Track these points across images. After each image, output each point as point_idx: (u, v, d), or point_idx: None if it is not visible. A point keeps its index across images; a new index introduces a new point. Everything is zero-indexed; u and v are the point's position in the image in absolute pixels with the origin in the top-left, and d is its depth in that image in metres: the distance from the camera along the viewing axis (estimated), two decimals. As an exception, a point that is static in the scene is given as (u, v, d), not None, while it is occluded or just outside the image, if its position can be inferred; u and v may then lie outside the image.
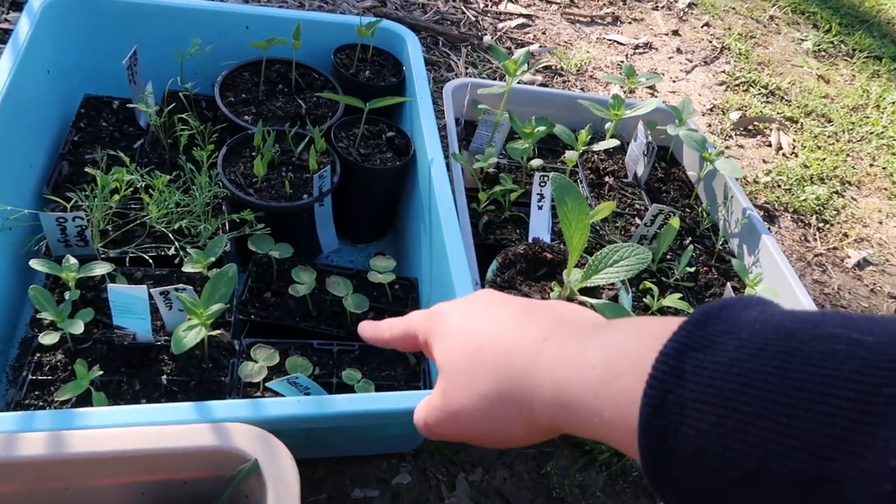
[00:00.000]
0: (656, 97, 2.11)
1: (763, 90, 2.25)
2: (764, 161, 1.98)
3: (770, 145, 2.04)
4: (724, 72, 2.30)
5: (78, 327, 0.92)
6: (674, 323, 0.32)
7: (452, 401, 0.44)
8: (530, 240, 1.25)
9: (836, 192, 1.92)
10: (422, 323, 0.50)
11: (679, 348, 0.30)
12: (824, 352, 0.26)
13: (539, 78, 2.03)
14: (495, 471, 1.10)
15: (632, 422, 0.31)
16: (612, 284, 1.17)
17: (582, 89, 2.04)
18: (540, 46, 2.17)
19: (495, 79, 1.97)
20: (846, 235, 1.80)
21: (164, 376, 0.98)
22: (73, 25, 1.31)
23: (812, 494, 0.25)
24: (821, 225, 1.80)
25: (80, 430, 0.74)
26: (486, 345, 0.43)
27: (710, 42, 2.45)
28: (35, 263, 0.97)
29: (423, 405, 0.49)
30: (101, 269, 0.99)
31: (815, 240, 1.76)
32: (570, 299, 1.11)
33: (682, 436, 0.29)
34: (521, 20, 2.27)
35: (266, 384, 0.92)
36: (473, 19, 2.19)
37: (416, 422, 0.49)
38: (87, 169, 1.15)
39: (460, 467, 1.10)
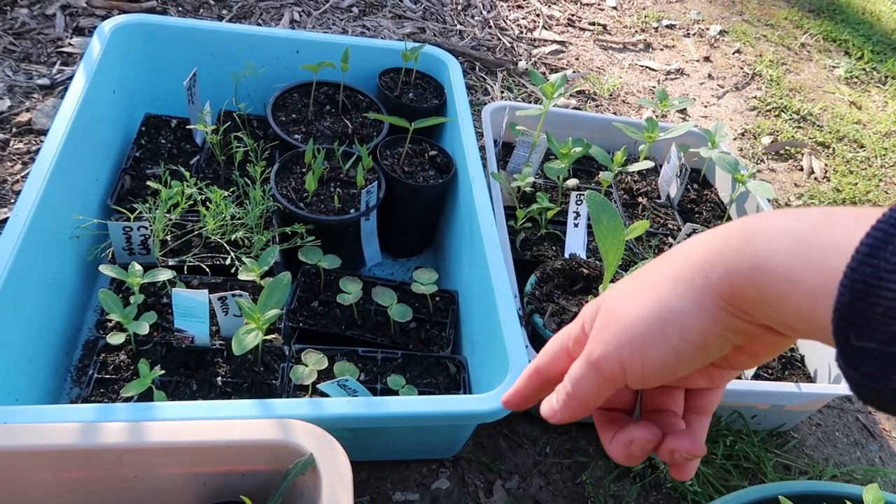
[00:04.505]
0: (688, 122, 2.15)
1: (795, 115, 2.28)
2: (796, 185, 2.00)
3: (802, 169, 2.06)
4: (755, 97, 2.34)
5: (143, 328, 0.98)
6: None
7: (613, 307, 0.41)
8: (567, 256, 1.29)
9: (869, 217, 1.93)
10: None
11: None
12: None
13: (573, 102, 2.08)
14: (531, 479, 1.13)
15: (832, 268, 0.29)
16: (647, 300, 1.20)
17: (614, 113, 2.09)
18: (574, 72, 2.22)
19: (530, 102, 2.03)
20: (879, 259, 1.81)
21: (219, 378, 1.03)
22: (138, 49, 1.40)
23: None
24: (853, 248, 1.81)
25: (152, 421, 0.80)
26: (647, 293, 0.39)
27: (742, 68, 2.49)
28: (104, 269, 1.03)
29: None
30: (163, 275, 1.06)
31: (848, 263, 1.77)
32: (606, 313, 1.15)
33: None
34: (555, 46, 2.33)
35: (317, 386, 0.97)
36: (509, 45, 2.26)
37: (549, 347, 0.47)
38: (148, 182, 1.22)
39: (497, 474, 1.13)
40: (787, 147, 2.12)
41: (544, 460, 1.16)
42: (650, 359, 0.38)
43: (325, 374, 1.05)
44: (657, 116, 1.68)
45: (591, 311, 0.44)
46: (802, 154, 2.11)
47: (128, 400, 0.96)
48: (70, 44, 1.78)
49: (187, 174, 1.19)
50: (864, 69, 2.64)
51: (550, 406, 0.46)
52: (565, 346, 0.47)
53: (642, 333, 0.38)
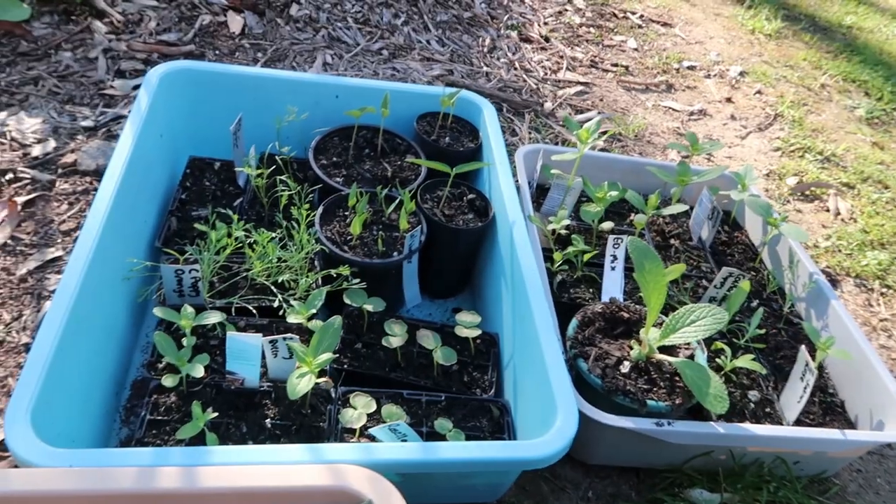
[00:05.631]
0: (713, 162, 2.17)
1: (818, 156, 2.30)
2: (823, 226, 2.01)
3: (828, 210, 2.08)
4: (778, 138, 2.36)
5: (198, 371, 1.00)
6: None
7: None
8: (605, 299, 1.30)
9: (897, 258, 1.93)
10: None
11: None
12: None
13: (600, 143, 2.11)
14: (575, 524, 1.13)
15: None
16: (688, 344, 1.21)
17: (640, 154, 2.12)
18: (599, 112, 2.26)
19: (557, 143, 2.06)
20: (909, 301, 1.81)
21: (268, 420, 1.04)
22: (183, 93, 1.44)
23: None
24: (884, 290, 1.82)
25: (211, 466, 0.81)
26: None
27: (764, 109, 2.52)
28: (159, 311, 1.05)
29: None
30: (214, 318, 1.08)
31: (879, 305, 1.77)
32: (649, 357, 1.16)
33: None
34: (579, 87, 2.37)
35: (368, 430, 0.98)
36: (534, 87, 2.30)
37: None
38: (196, 225, 1.25)
39: (541, 519, 1.13)
40: (812, 188, 2.14)
41: (587, 505, 1.16)
42: None
43: (372, 417, 1.05)
44: (685, 158, 1.70)
45: None
46: (828, 195, 2.13)
47: (180, 442, 0.97)
48: (112, 86, 1.83)
49: (235, 217, 1.22)
50: (884, 110, 2.67)
51: None
52: None
53: None
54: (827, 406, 1.28)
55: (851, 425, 1.26)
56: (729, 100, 2.54)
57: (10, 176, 1.51)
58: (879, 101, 2.72)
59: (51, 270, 1.34)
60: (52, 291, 1.29)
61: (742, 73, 2.72)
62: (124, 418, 1.12)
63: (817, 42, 3.11)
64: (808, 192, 2.13)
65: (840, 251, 1.91)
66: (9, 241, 1.38)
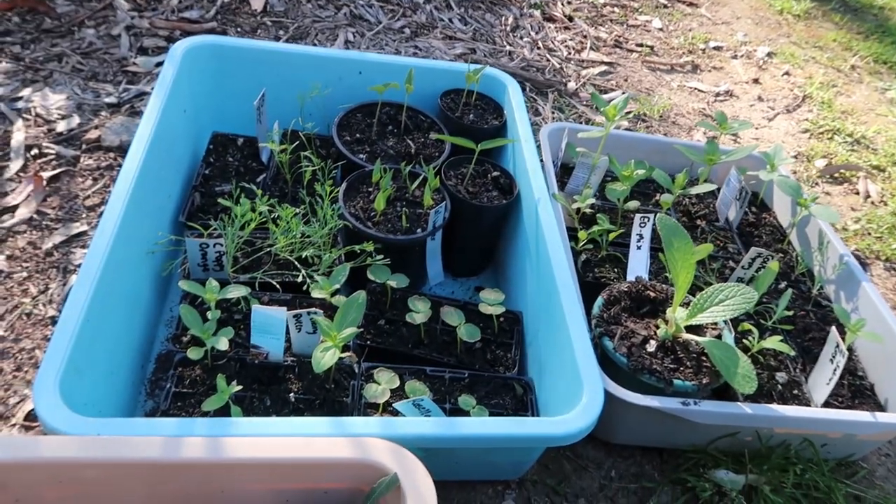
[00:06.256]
0: (739, 144, 2.13)
1: (848, 138, 2.25)
2: (852, 209, 1.97)
3: (857, 193, 2.04)
4: (807, 119, 2.31)
5: (223, 344, 1.00)
6: None
7: None
8: (630, 278, 1.28)
9: (929, 242, 1.89)
10: None
11: None
12: None
13: (625, 123, 2.08)
14: (598, 503, 1.12)
15: None
16: (715, 324, 1.19)
17: (665, 134, 2.08)
18: (623, 93, 2.23)
19: (580, 123, 2.03)
20: (941, 286, 1.77)
21: (292, 394, 1.04)
22: (207, 69, 1.43)
23: None
24: (914, 274, 1.78)
25: (238, 437, 0.81)
26: None
27: (792, 90, 2.47)
28: (183, 284, 1.05)
29: None
30: (238, 291, 1.08)
31: (909, 289, 1.74)
32: (675, 337, 1.14)
33: None
34: (603, 67, 2.34)
35: (392, 405, 0.98)
36: (558, 66, 2.27)
37: None
38: (220, 200, 1.25)
39: (563, 497, 1.12)
40: (841, 170, 2.09)
41: (609, 484, 1.15)
42: None
43: (395, 393, 1.05)
44: (712, 138, 1.67)
45: None
46: (858, 177, 2.08)
47: (205, 414, 0.98)
48: (135, 63, 1.83)
49: (259, 192, 1.21)
50: (916, 92, 2.61)
51: None
52: None
53: None
54: (856, 389, 1.26)
55: (881, 409, 1.24)
56: (756, 81, 2.49)
57: (35, 151, 1.52)
58: (911, 83, 2.65)
59: (76, 245, 1.35)
60: (78, 265, 1.30)
61: (770, 54, 2.66)
62: (149, 391, 1.13)
63: (848, 23, 3.04)
64: (837, 175, 2.09)
65: (870, 234, 1.87)
66: (34, 216, 1.39)
